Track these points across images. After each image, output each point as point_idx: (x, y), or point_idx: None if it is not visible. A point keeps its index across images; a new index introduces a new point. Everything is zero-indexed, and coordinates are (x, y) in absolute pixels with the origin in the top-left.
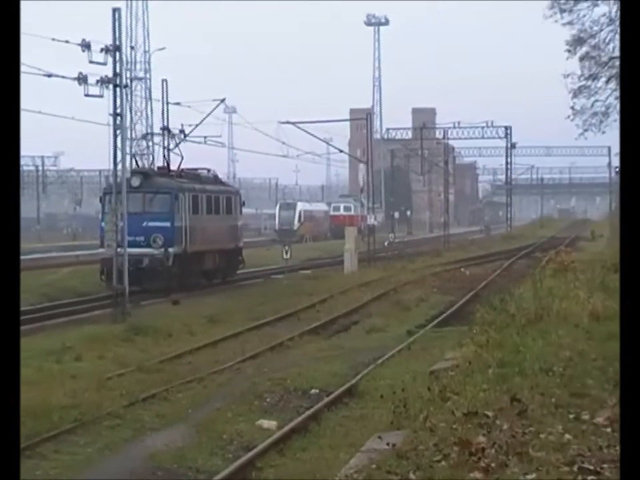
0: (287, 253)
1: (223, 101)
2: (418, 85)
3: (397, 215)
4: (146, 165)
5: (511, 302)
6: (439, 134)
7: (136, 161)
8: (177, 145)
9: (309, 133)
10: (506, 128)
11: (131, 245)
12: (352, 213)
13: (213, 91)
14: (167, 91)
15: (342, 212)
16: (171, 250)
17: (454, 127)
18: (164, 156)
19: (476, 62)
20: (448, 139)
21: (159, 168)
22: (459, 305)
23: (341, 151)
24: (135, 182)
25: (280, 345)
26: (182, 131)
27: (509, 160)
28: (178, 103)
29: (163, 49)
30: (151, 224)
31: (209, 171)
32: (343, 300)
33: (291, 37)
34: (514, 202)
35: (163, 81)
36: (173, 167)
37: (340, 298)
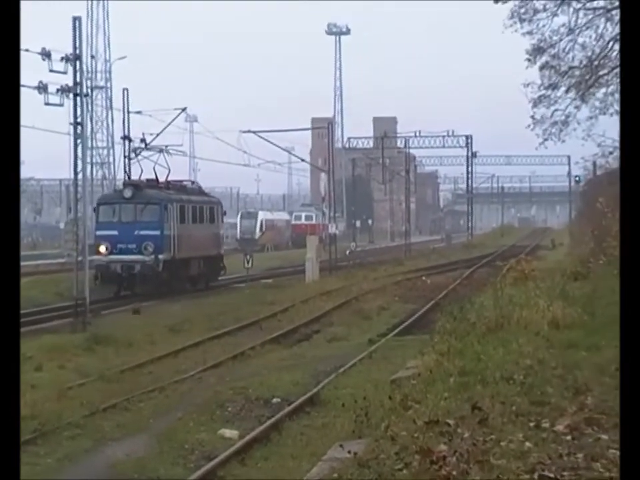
0: (248, 262)
1: (184, 110)
2: (379, 94)
3: (358, 223)
4: (106, 174)
5: (472, 310)
6: (400, 143)
7: (128, 174)
8: (137, 155)
9: (270, 142)
10: (467, 137)
11: (123, 252)
12: (313, 222)
13: (175, 100)
14: (127, 100)
15: (303, 221)
16: (160, 257)
17: (415, 136)
18: (124, 165)
19: (436, 71)
20: (409, 147)
21: (147, 180)
22: (420, 313)
23: (303, 160)
24: (127, 193)
25: (242, 354)
26: (143, 140)
27: (469, 169)
28: (139, 112)
29: (123, 57)
30: (142, 232)
31: (193, 182)
32: (305, 309)
33: (252, 46)
34: (475, 211)
35: (123, 90)
36: (134, 176)
37: (301, 307)
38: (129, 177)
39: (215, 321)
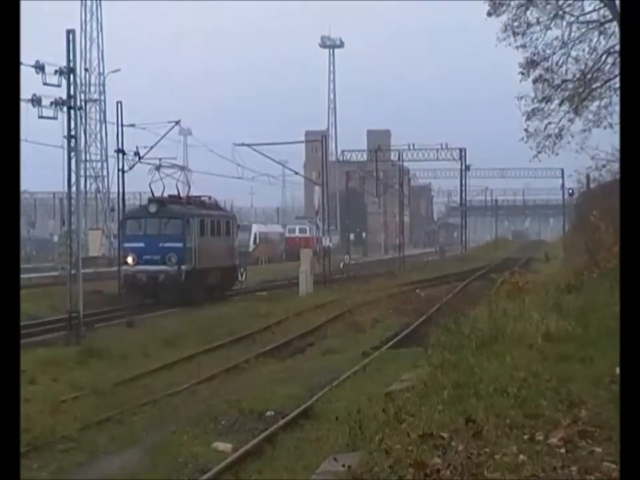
0: (242, 274)
1: (177, 122)
2: (373, 107)
3: (352, 236)
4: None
5: (466, 323)
6: (394, 156)
7: (151, 189)
8: (132, 167)
9: (264, 155)
10: (460, 150)
11: (149, 262)
12: (307, 235)
13: (169, 113)
14: (121, 113)
15: (297, 234)
16: (183, 267)
17: (409, 149)
18: (118, 178)
19: (430, 84)
20: (403, 160)
21: (170, 196)
22: (414, 326)
23: (297, 173)
24: (152, 208)
25: (235, 367)
26: (137, 153)
27: (463, 182)
28: (132, 125)
29: (117, 70)
30: (166, 244)
31: (210, 198)
32: (299, 322)
33: (246, 59)
34: (469, 223)
35: (117, 103)
36: (157, 193)
37: (295, 320)
38: (179, 196)
39: (208, 334)
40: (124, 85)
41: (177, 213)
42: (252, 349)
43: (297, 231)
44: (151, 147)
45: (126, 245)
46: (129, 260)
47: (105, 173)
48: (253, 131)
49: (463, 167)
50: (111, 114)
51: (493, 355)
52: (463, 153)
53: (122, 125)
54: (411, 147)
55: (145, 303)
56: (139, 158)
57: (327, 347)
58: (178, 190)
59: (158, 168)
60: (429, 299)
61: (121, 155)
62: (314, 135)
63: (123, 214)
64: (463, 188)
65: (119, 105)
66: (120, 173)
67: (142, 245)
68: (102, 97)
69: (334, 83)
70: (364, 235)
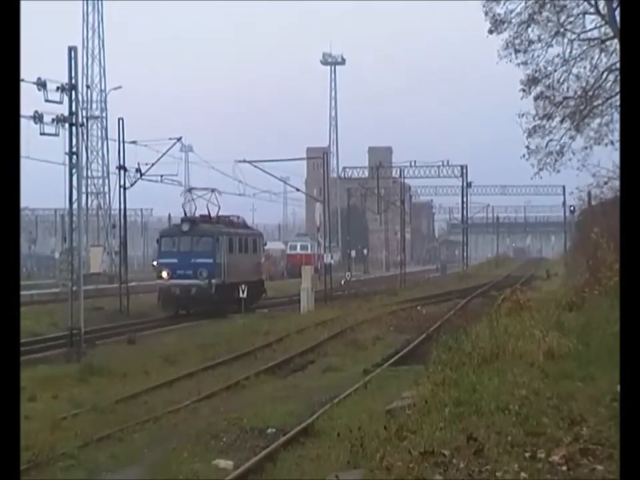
0: (242, 292)
1: (179, 139)
2: (374, 124)
3: (353, 253)
4: (102, 204)
5: (467, 341)
6: (395, 173)
7: (184, 210)
8: (133, 183)
9: (265, 171)
10: (462, 167)
11: (182, 277)
12: (309, 252)
13: (170, 130)
14: (123, 130)
15: (299, 251)
16: (213, 281)
17: (410, 166)
18: (120, 195)
19: (431, 101)
20: (404, 177)
21: (201, 216)
22: (416, 343)
23: (298, 190)
24: (185, 227)
25: (236, 384)
26: (138, 170)
27: (464, 199)
28: (134, 142)
29: (119, 87)
30: (198, 260)
31: (238, 217)
32: (300, 339)
33: (248, 76)
34: (470, 240)
35: (119, 119)
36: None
37: (296, 337)
38: (210, 215)
39: (209, 351)
40: (125, 102)
41: (208, 232)
42: (253, 366)
43: (299, 247)
44: (153, 164)
45: (161, 260)
46: (164, 274)
47: (106, 189)
48: (255, 148)
49: (464, 184)
50: (113, 131)
51: (494, 372)
52: (465, 170)
53: (123, 142)
54: (412, 163)
55: (178, 314)
56: (141, 174)
57: (327, 365)
58: (208, 210)
59: (190, 190)
60: (430, 316)
61: (122, 172)
62: (315, 152)
63: (124, 231)
64: (464, 205)
65: (121, 122)
66: (121, 189)
67: (175, 260)
68: (103, 114)
69: (335, 100)
70: (365, 251)
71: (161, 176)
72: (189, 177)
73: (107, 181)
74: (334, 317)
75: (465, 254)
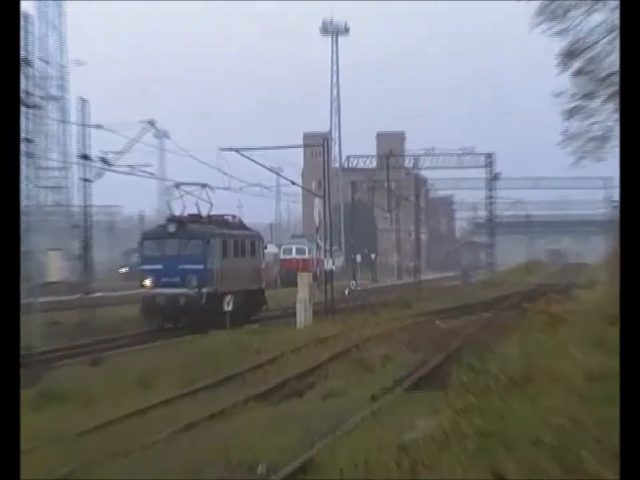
0: (228, 304)
1: (152, 123)
2: (384, 106)
3: (359, 258)
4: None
5: (493, 361)
6: (408, 162)
7: (169, 208)
8: (99, 175)
9: (255, 161)
10: (487, 156)
11: (168, 285)
12: (306, 256)
13: (142, 113)
14: (86, 113)
15: (294, 255)
16: (204, 290)
17: (426, 155)
18: (83, 189)
19: (451, 80)
20: (419, 168)
21: (190, 215)
22: (433, 364)
23: (293, 183)
24: (171, 228)
25: (221, 412)
26: (104, 160)
27: (490, 193)
28: (99, 126)
29: (82, 63)
30: (186, 266)
31: (234, 217)
32: (296, 359)
33: (231, 50)
34: (497, 242)
35: (81, 100)
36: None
37: (292, 357)
38: (200, 215)
39: (190, 373)
40: (90, 80)
41: (198, 233)
42: (241, 391)
43: (294, 251)
44: (121, 152)
45: (144, 266)
46: (147, 282)
47: (66, 182)
48: (242, 134)
49: (490, 176)
50: (75, 114)
51: (526, 397)
52: (490, 159)
53: (87, 126)
54: (429, 151)
55: (163, 327)
56: (107, 165)
57: (328, 389)
58: (198, 208)
59: (177, 186)
60: (450, 331)
61: (85, 162)
62: (314, 138)
63: (87, 231)
64: (490, 200)
65: (84, 103)
66: (84, 182)
67: (160, 266)
68: (64, 93)
69: (337, 77)
70: (373, 256)
71: (132, 167)
72: (164, 167)
73: (67, 172)
74: (336, 333)
75: (490, 258)
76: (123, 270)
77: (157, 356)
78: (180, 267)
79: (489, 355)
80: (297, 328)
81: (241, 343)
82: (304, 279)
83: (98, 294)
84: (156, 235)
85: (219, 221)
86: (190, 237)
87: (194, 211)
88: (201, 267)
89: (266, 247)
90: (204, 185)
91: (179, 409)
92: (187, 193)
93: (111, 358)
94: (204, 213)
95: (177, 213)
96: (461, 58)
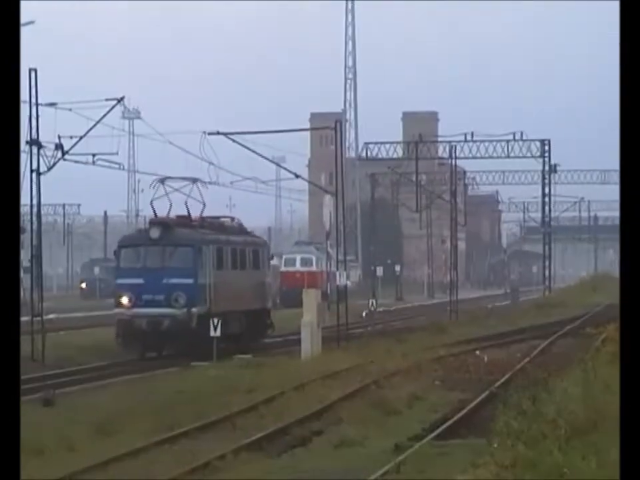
0: (215, 329)
1: (120, 101)
2: (411, 80)
3: (380, 271)
4: None
5: (550, 402)
6: (442, 151)
7: (153, 209)
8: (52, 166)
9: (249, 148)
10: (542, 142)
11: (150, 304)
12: (313, 268)
13: (108, 90)
14: (36, 87)
15: (298, 267)
16: (194, 310)
17: (465, 141)
18: (31, 183)
19: (495, 47)
20: (456, 158)
21: (178, 217)
22: (473, 406)
23: (297, 176)
24: (154, 233)
25: (205, 466)
26: (59, 146)
27: (546, 190)
28: (53, 104)
29: (30, 22)
30: (172, 280)
31: (233, 219)
32: (300, 399)
33: (221, 14)
34: (554, 252)
35: (30, 71)
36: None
37: (295, 396)
38: (190, 217)
39: (164, 417)
40: (41, 46)
41: (187, 239)
42: (230, 439)
43: (298, 262)
44: (81, 137)
45: (119, 281)
46: (124, 301)
47: (20, 173)
48: (233, 116)
49: (546, 168)
50: (21, 88)
51: (591, 449)
52: (546, 147)
53: (37, 105)
54: (468, 137)
55: (145, 356)
56: (63, 153)
57: (341, 437)
58: (187, 209)
59: (163, 181)
60: (495, 365)
61: (35, 149)
62: (323, 120)
63: (38, 234)
64: (546, 199)
65: (33, 75)
66: (34, 174)
67: (141, 280)
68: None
69: (353, 42)
70: (397, 268)
71: (94, 155)
72: (135, 156)
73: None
74: (351, 366)
75: (546, 272)
76: (83, 285)
77: (123, 395)
78: (165, 281)
79: (544, 395)
80: (301, 359)
81: (228, 379)
82: (311, 298)
83: (50, 315)
84: (135, 241)
85: (214, 225)
86: (177, 243)
87: (183, 212)
88: (190, 281)
89: (272, 257)
90: (195, 180)
91: (151, 461)
92: (175, 189)
93: (66, 396)
94: (195, 214)
95: (162, 214)
96: (505, 22)
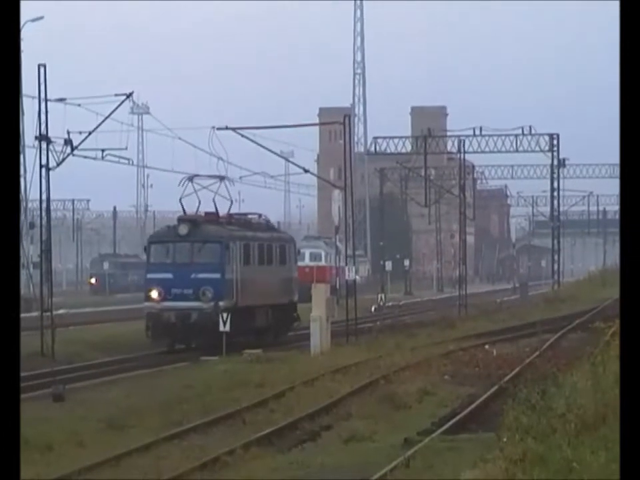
0: (224, 323)
1: (129, 96)
2: (420, 75)
3: (389, 266)
4: None
5: (559, 397)
6: (451, 145)
7: (182, 206)
8: (61, 162)
9: (258, 143)
10: (551, 137)
11: (178, 298)
12: (322, 263)
13: (117, 85)
14: (45, 83)
15: (307, 262)
16: (221, 304)
17: (473, 135)
18: (40, 178)
19: (504, 41)
20: (465, 152)
21: (206, 214)
22: (482, 400)
23: (306, 171)
24: (183, 230)
25: (214, 461)
26: (68, 142)
27: (555, 184)
28: (62, 100)
29: (39, 18)
30: (200, 275)
31: (260, 216)
32: (309, 394)
33: (230, 9)
34: (563, 246)
35: (39, 66)
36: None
37: (304, 391)
38: (218, 214)
39: (174, 412)
40: (50, 42)
41: (214, 236)
42: (240, 434)
43: (307, 257)
44: (90, 132)
45: (149, 276)
46: (154, 295)
47: (20, 170)
48: (242, 111)
49: (555, 162)
50: (30, 84)
51: (601, 443)
52: (555, 141)
53: (46, 100)
54: (477, 131)
55: (174, 348)
56: (72, 148)
57: (351, 432)
58: (215, 206)
59: (191, 179)
60: (504, 359)
61: (44, 144)
62: (332, 115)
63: (48, 230)
64: (555, 193)
65: (42, 70)
66: (43, 170)
67: (170, 275)
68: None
69: (362, 39)
70: (407, 263)
71: (103, 150)
72: (144, 151)
73: (21, 157)
74: (360, 361)
75: (556, 266)
76: (92, 280)
77: (133, 390)
78: (193, 276)
79: (554, 389)
80: (310, 354)
81: (238, 374)
82: (320, 292)
83: (60, 311)
84: (165, 237)
85: (241, 222)
86: (205, 239)
87: (210, 208)
88: (217, 276)
89: (299, 252)
90: (222, 178)
91: (161, 457)
92: (203, 187)
93: (76, 392)
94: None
95: (190, 211)
96: (515, 18)
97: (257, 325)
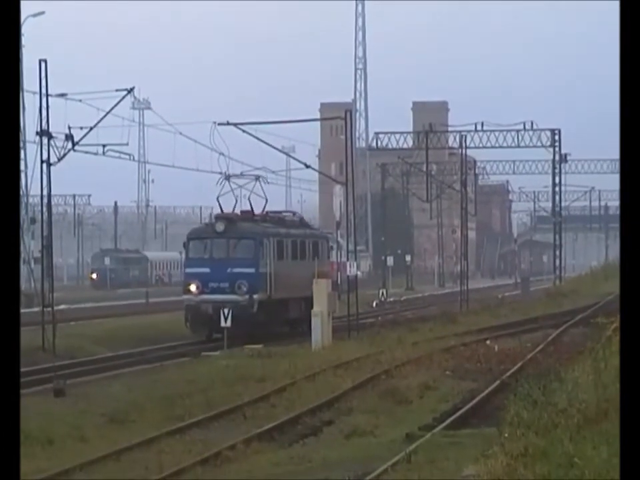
0: (225, 319)
1: (130, 91)
2: (422, 70)
3: (390, 261)
4: None
5: (561, 392)
6: (453, 140)
7: (219, 204)
8: (62, 157)
9: (259, 139)
10: (552, 132)
11: (215, 291)
12: None
13: (118, 80)
14: (46, 77)
15: None
16: (255, 296)
17: (475, 131)
18: (42, 174)
19: (505, 36)
20: (466, 147)
21: (242, 212)
22: (483, 395)
23: (307, 167)
24: (219, 227)
25: (216, 456)
26: (69, 137)
27: (557, 179)
28: (63, 95)
29: (40, 13)
30: (236, 270)
31: (294, 214)
32: (311, 389)
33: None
34: (565, 241)
35: (40, 61)
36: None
37: (306, 386)
38: (253, 212)
39: (176, 407)
40: (51, 37)
41: (249, 232)
42: (241, 429)
43: None
44: (91, 128)
45: (188, 270)
46: (192, 288)
47: (21, 166)
48: (243, 106)
49: (557, 158)
50: (31, 79)
51: (602, 438)
52: (557, 137)
53: (47, 95)
54: (479, 127)
55: (211, 338)
56: (73, 144)
57: (352, 427)
58: (251, 204)
59: (228, 178)
60: (506, 354)
61: (45, 140)
62: (333, 110)
63: (49, 225)
64: (557, 188)
65: (43, 65)
66: (44, 165)
67: (207, 270)
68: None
69: (363, 34)
70: (408, 258)
71: (104, 145)
72: (145, 146)
73: (22, 152)
74: (361, 356)
75: (557, 261)
76: (94, 276)
77: (134, 385)
78: (229, 270)
79: (555, 384)
80: (312, 349)
81: (239, 368)
82: (321, 288)
83: (61, 306)
84: (203, 234)
85: (275, 219)
86: (240, 236)
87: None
88: (252, 270)
89: (332, 248)
90: (257, 177)
91: (162, 452)
92: (239, 186)
93: (77, 387)
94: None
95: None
96: (516, 11)
97: (290, 316)
